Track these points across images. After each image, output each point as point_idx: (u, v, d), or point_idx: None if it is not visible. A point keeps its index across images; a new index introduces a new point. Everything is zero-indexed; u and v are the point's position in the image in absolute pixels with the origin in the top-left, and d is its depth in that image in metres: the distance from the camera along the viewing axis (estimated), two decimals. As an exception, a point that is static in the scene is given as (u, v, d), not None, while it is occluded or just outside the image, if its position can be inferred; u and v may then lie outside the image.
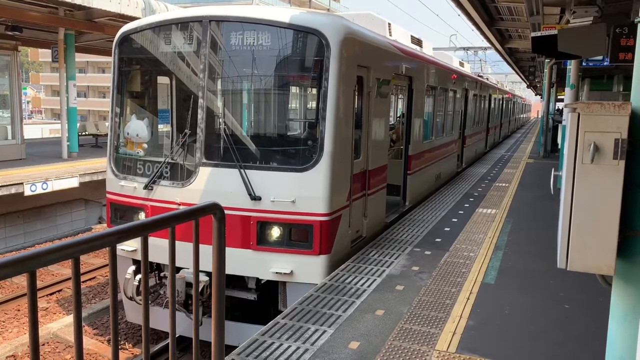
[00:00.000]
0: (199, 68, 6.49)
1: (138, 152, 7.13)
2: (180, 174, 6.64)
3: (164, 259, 6.35)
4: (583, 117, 2.59)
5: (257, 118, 7.64)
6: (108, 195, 7.22)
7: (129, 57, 7.35)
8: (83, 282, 11.04)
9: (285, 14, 6.38)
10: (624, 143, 2.53)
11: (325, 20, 6.46)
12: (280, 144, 6.98)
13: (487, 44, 21.08)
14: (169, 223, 2.19)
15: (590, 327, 4.86)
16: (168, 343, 7.65)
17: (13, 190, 11.75)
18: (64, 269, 11.41)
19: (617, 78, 20.05)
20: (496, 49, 20.95)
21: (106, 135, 8.82)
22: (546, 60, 19.89)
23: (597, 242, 2.63)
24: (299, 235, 6.27)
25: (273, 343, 4.46)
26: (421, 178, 10.86)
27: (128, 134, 7.20)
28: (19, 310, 9.65)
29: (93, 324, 8.98)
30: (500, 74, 55.97)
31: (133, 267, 6.84)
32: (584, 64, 13.59)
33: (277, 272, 6.23)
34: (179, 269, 6.32)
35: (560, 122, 18.42)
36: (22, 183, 11.88)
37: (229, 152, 6.39)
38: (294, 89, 7.91)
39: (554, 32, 8.16)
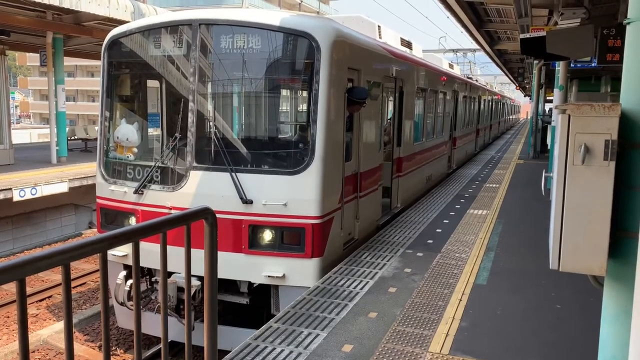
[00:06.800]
0: (189, 71, 6.47)
1: (128, 157, 7.08)
2: (171, 178, 6.60)
3: (155, 264, 6.31)
4: (573, 119, 2.60)
5: (247, 121, 7.62)
6: (98, 200, 7.16)
7: (118, 61, 7.30)
8: (73, 287, 10.95)
9: (276, 17, 6.37)
10: (614, 144, 2.55)
11: (315, 23, 6.46)
12: (272, 147, 6.96)
13: (476, 46, 21.22)
14: (161, 228, 2.16)
15: (582, 328, 4.89)
16: (160, 348, 7.61)
17: (1, 195, 11.63)
18: (53, 275, 11.31)
19: (605, 79, 20.19)
20: (485, 51, 21.07)
21: (96, 139, 8.76)
22: (535, 62, 20.02)
23: (589, 243, 2.64)
24: (291, 239, 6.25)
25: (266, 347, 4.45)
26: (412, 180, 10.88)
27: (118, 138, 7.16)
28: (8, 317, 9.54)
29: (84, 330, 8.90)
30: (489, 75, 56.37)
31: (124, 273, 6.79)
32: (572, 65, 13.70)
33: (269, 276, 6.21)
34: (170, 274, 6.28)
35: (550, 123, 18.54)
36: (10, 188, 11.77)
37: (219, 155, 6.37)
38: (284, 92, 7.90)
39: (543, 33, 8.23)
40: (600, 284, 2.93)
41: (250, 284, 6.46)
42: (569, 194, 2.66)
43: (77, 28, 15.21)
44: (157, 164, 6.68)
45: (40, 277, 11.34)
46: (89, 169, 14.34)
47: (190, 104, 6.44)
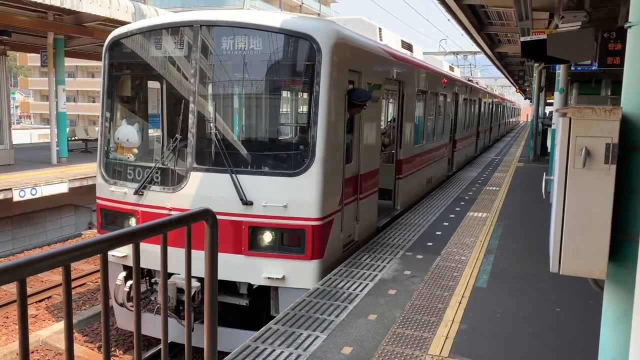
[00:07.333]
0: (190, 73, 6.47)
1: (128, 157, 7.08)
2: (171, 179, 6.60)
3: (155, 265, 6.31)
4: (574, 122, 2.60)
5: (248, 123, 7.63)
6: (98, 201, 7.16)
7: (119, 62, 7.31)
8: (72, 288, 10.93)
9: (277, 19, 6.38)
10: (615, 148, 2.55)
11: (316, 25, 6.47)
12: (272, 148, 6.96)
13: (477, 49, 21.24)
14: (161, 229, 2.16)
15: (582, 331, 4.88)
16: (159, 349, 7.59)
17: (1, 196, 11.63)
18: (53, 276, 11.30)
19: (605, 82, 20.21)
20: (486, 54, 21.09)
21: (96, 140, 8.78)
22: (535, 65, 20.04)
23: (589, 246, 2.64)
24: (290, 240, 6.25)
25: (266, 349, 4.44)
26: (412, 182, 10.88)
27: (118, 138, 7.16)
28: (7, 317, 9.53)
29: (83, 331, 8.89)
30: (489, 78, 56.37)
31: (124, 273, 6.79)
32: (572, 68, 13.72)
33: (269, 277, 6.21)
34: (169, 275, 6.27)
35: (550, 125, 18.56)
36: (10, 189, 11.77)
37: (220, 156, 6.37)
38: (285, 94, 7.91)
39: (543, 36, 8.23)
40: (601, 287, 2.92)
41: (249, 285, 6.46)
42: (569, 197, 2.66)
43: (78, 29, 15.22)
44: (157, 165, 6.68)
45: (39, 278, 11.34)
46: (89, 170, 14.34)
47: (191, 105, 6.44)
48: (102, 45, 7.36)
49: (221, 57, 6.58)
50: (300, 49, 6.43)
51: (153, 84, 7.52)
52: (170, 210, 6.39)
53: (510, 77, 33.27)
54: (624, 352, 2.65)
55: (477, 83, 26.44)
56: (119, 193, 6.87)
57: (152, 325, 6.65)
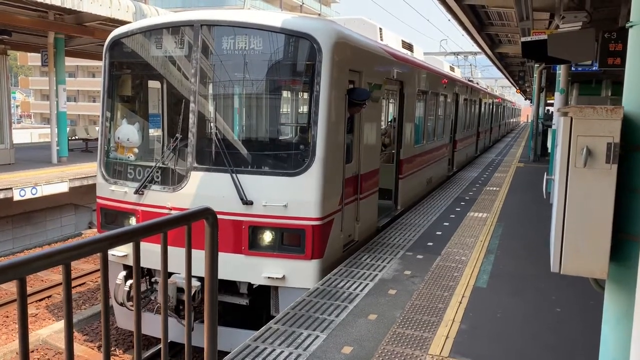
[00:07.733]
0: (191, 72, 6.47)
1: (129, 157, 7.08)
2: (172, 179, 6.60)
3: (155, 264, 6.31)
4: (576, 121, 2.60)
5: (248, 122, 7.63)
6: (98, 200, 7.16)
7: (119, 62, 7.31)
8: (72, 287, 10.92)
9: (277, 19, 6.37)
10: (617, 147, 2.54)
11: (317, 24, 6.46)
12: (272, 148, 6.96)
13: (477, 49, 21.22)
14: (161, 228, 2.16)
15: (582, 331, 4.88)
16: (159, 349, 7.59)
17: (2, 195, 11.63)
18: (53, 275, 11.30)
19: (606, 83, 20.21)
20: (486, 54, 21.08)
21: (96, 139, 8.78)
22: (536, 65, 20.03)
23: (590, 246, 2.64)
24: (291, 240, 6.25)
25: (266, 349, 4.44)
26: (413, 182, 10.88)
27: (119, 138, 7.16)
28: (7, 316, 9.52)
29: (83, 330, 8.89)
30: (490, 78, 56.36)
31: (124, 273, 6.79)
32: (573, 68, 13.70)
33: (269, 277, 6.20)
34: (169, 274, 6.27)
35: (550, 126, 18.55)
36: (11, 188, 11.76)
37: (220, 156, 6.37)
38: (285, 94, 7.91)
39: (544, 37, 8.22)
40: (602, 287, 2.92)
41: (250, 285, 6.46)
42: (570, 196, 2.65)
43: (78, 28, 15.22)
44: (157, 165, 6.68)
45: (39, 277, 11.33)
46: (89, 169, 14.33)
47: (192, 105, 6.44)
48: (103, 45, 7.36)
49: (222, 57, 6.58)
50: (301, 49, 6.42)
51: (153, 84, 7.51)
52: (171, 209, 6.39)
53: (511, 77, 33.25)
54: (625, 353, 2.64)
55: (477, 83, 26.45)
56: (119, 192, 6.87)
57: (152, 325, 6.65)
